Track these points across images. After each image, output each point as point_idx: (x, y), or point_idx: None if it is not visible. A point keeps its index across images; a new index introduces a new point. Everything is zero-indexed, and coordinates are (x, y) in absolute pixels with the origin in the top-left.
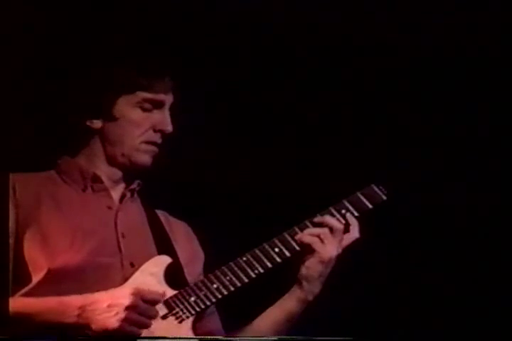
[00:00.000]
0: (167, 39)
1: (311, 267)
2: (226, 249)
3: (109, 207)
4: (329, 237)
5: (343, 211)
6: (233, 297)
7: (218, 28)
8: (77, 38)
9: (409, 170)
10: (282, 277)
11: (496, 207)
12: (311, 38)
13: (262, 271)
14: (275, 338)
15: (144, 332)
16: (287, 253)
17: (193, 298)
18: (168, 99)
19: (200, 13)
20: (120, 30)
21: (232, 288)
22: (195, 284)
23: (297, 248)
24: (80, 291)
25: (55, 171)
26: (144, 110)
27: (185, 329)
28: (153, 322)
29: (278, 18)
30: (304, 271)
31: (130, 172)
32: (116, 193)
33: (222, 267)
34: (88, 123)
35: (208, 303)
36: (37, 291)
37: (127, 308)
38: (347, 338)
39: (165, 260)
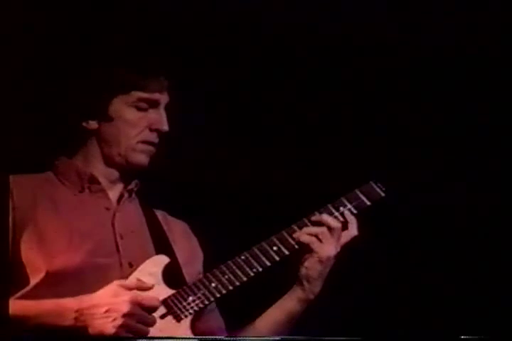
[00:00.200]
0: (165, 39)
1: (311, 267)
2: (225, 248)
3: (107, 208)
4: (327, 236)
5: (341, 208)
6: (234, 297)
7: (218, 28)
8: (71, 38)
9: (408, 168)
10: (282, 277)
11: (495, 207)
12: (311, 38)
13: (260, 269)
14: (277, 338)
15: None
16: (286, 252)
17: (191, 298)
18: (164, 98)
19: (200, 13)
20: (115, 30)
21: (230, 287)
22: (194, 283)
23: (296, 246)
24: (79, 292)
25: (53, 172)
26: (140, 110)
27: (184, 328)
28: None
29: (278, 18)
30: (303, 271)
31: (127, 172)
32: (113, 194)
33: (221, 266)
34: (84, 124)
35: (207, 302)
36: (35, 293)
37: (124, 315)
38: (348, 338)
39: (163, 260)
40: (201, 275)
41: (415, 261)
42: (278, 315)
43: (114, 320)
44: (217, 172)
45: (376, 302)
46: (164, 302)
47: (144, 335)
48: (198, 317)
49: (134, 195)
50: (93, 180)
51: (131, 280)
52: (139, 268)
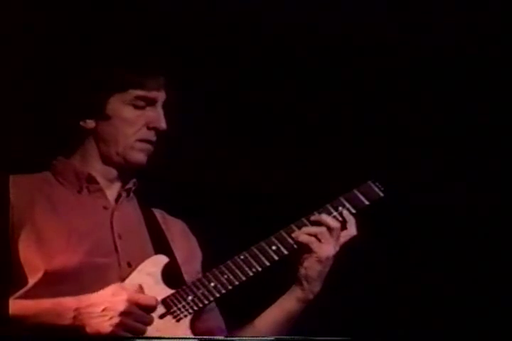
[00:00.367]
0: (165, 38)
1: (310, 267)
2: (225, 248)
3: (105, 208)
4: (326, 236)
5: (340, 208)
6: (233, 296)
7: (218, 28)
8: (68, 37)
9: (407, 168)
10: (281, 276)
11: (495, 207)
12: (311, 38)
13: (259, 269)
14: (273, 338)
15: None
16: (285, 251)
17: (190, 297)
18: (161, 96)
19: (200, 13)
20: (112, 29)
21: (230, 287)
22: (193, 283)
23: (295, 246)
24: (78, 292)
25: (50, 172)
26: (137, 108)
27: (183, 328)
28: (148, 328)
29: (278, 18)
30: (302, 271)
31: (125, 171)
32: (111, 193)
33: (220, 266)
34: (81, 123)
35: (206, 302)
36: (33, 293)
37: (121, 314)
38: (345, 338)
39: (162, 259)
40: (200, 275)
41: (415, 261)
42: (277, 315)
43: (111, 318)
44: (217, 172)
45: (375, 302)
46: (163, 301)
47: (142, 334)
48: (197, 316)
49: (132, 195)
50: (91, 180)
51: (133, 284)
52: (138, 268)
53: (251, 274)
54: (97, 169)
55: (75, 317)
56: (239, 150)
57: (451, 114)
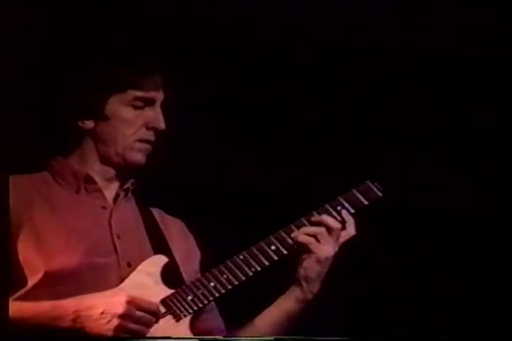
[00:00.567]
0: (165, 38)
1: (309, 267)
2: (225, 248)
3: (103, 208)
4: (325, 237)
5: (339, 208)
6: (233, 296)
7: (218, 28)
8: (67, 38)
9: (406, 168)
10: (281, 276)
11: (495, 207)
12: (311, 38)
13: (259, 268)
14: (272, 338)
15: None
16: (284, 251)
17: (190, 297)
18: (159, 96)
19: (200, 13)
20: (111, 29)
21: (229, 286)
22: (193, 283)
23: (294, 246)
24: (78, 293)
25: (48, 172)
26: (136, 108)
27: (183, 328)
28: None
29: (278, 18)
30: (301, 271)
31: (124, 171)
32: (110, 193)
33: (219, 265)
34: (80, 123)
35: (206, 302)
36: (33, 294)
37: (120, 316)
38: (345, 338)
39: (161, 259)
40: (199, 274)
41: (415, 261)
42: (276, 315)
43: (110, 321)
44: (217, 172)
45: (375, 302)
46: (163, 302)
47: (142, 336)
48: (197, 316)
49: (130, 194)
50: (89, 180)
51: (133, 283)
52: (138, 268)
53: (250, 274)
54: (95, 169)
55: (74, 320)
56: (239, 150)
57: (451, 114)
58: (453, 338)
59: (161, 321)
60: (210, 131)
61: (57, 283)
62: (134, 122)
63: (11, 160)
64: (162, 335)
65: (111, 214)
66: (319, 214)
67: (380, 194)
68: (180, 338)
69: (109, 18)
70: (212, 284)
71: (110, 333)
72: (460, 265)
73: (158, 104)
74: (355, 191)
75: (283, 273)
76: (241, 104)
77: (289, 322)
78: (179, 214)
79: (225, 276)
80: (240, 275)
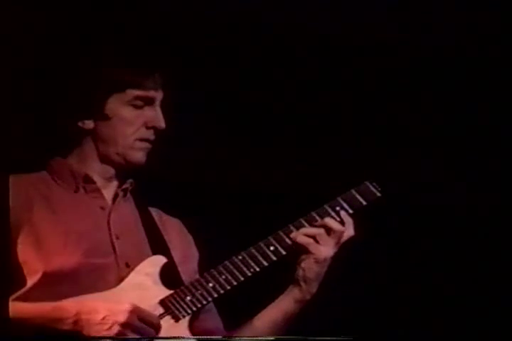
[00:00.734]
0: (165, 38)
1: (307, 268)
2: (225, 247)
3: (102, 208)
4: (325, 238)
5: (338, 208)
6: (231, 296)
7: (218, 28)
8: (66, 37)
9: (407, 168)
10: (280, 276)
11: (495, 207)
12: (311, 38)
13: (257, 269)
14: (272, 338)
15: None
16: (283, 252)
17: (189, 298)
18: (159, 95)
19: (200, 13)
20: (111, 29)
21: (228, 287)
22: (191, 283)
23: (293, 246)
24: (77, 293)
25: (47, 172)
26: (136, 107)
27: (182, 328)
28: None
29: (278, 18)
30: (300, 271)
31: (124, 170)
32: (108, 193)
33: (218, 266)
34: (80, 123)
35: (204, 302)
36: (32, 294)
37: (121, 324)
38: (345, 338)
39: (160, 260)
40: (197, 274)
41: (415, 261)
42: (274, 315)
43: (110, 328)
44: (217, 172)
45: (375, 302)
46: (162, 302)
47: None
48: (195, 316)
49: (128, 194)
50: (88, 180)
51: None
52: (137, 269)
53: (249, 274)
54: (95, 169)
55: (74, 323)
56: (239, 150)
57: (451, 114)
58: (453, 338)
59: (160, 321)
60: (210, 131)
61: (57, 283)
62: (134, 121)
63: (11, 160)
64: (161, 335)
65: (109, 215)
66: (318, 214)
67: (378, 194)
68: (180, 338)
69: (109, 18)
70: (211, 285)
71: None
72: (460, 265)
73: (157, 104)
74: (353, 191)
75: (282, 274)
76: (241, 104)
77: (287, 322)
78: (179, 214)
79: (223, 277)
80: (239, 275)
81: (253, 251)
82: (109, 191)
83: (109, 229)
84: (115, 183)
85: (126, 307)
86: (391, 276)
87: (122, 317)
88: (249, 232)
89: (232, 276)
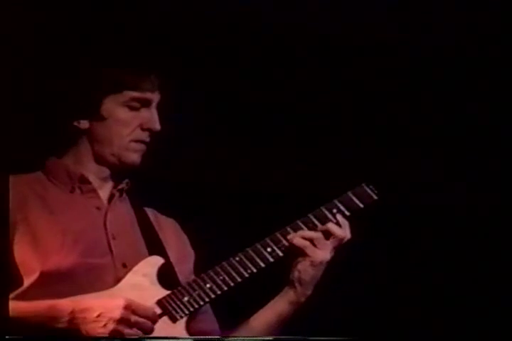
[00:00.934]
0: (165, 39)
1: (303, 270)
2: (225, 247)
3: (98, 208)
4: (322, 242)
5: (334, 210)
6: (228, 297)
7: (218, 28)
8: (63, 38)
9: (407, 168)
10: (277, 277)
11: (495, 207)
12: (311, 38)
13: (254, 270)
14: (271, 338)
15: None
16: (280, 253)
17: (186, 298)
18: (156, 97)
19: (200, 13)
20: (108, 29)
21: (225, 288)
22: (189, 284)
23: (289, 248)
24: (74, 293)
25: (43, 172)
26: (132, 109)
27: (179, 329)
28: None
29: (278, 18)
30: (296, 274)
31: (119, 171)
32: (104, 193)
33: (215, 267)
34: (75, 123)
35: (202, 303)
36: (29, 294)
37: (116, 321)
38: (344, 338)
39: (158, 260)
40: (193, 275)
41: (414, 261)
42: (269, 316)
43: (105, 325)
44: (217, 172)
45: (375, 302)
46: (159, 303)
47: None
48: (192, 317)
49: (124, 195)
50: (83, 180)
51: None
52: (134, 269)
53: (246, 275)
54: (90, 169)
55: (69, 321)
56: (239, 150)
57: (451, 114)
58: (453, 338)
59: (158, 322)
60: (210, 131)
61: (53, 283)
62: (129, 123)
63: (10, 160)
64: (157, 336)
65: (105, 215)
66: (315, 216)
67: (375, 197)
68: (178, 338)
69: (107, 19)
70: (208, 285)
71: (105, 337)
72: (460, 265)
73: (154, 105)
74: (350, 194)
75: (278, 275)
76: (241, 104)
77: (281, 324)
78: (179, 214)
79: (220, 278)
80: (236, 276)
81: (250, 252)
82: (104, 191)
83: (106, 229)
84: (111, 183)
85: (120, 302)
86: (391, 276)
87: (117, 314)
88: (248, 232)
89: (229, 277)
